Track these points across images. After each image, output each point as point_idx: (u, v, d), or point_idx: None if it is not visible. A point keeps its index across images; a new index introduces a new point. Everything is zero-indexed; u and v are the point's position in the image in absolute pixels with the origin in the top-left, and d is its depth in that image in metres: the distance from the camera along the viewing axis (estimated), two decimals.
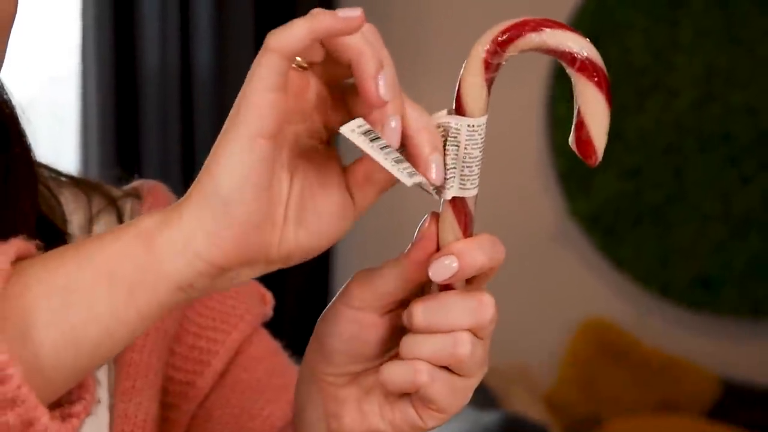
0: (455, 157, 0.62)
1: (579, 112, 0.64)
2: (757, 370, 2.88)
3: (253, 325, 0.82)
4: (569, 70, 0.63)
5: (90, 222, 0.78)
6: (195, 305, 0.80)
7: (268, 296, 0.84)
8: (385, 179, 0.59)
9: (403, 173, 0.57)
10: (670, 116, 2.83)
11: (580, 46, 0.62)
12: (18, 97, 0.75)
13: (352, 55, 0.57)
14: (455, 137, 0.63)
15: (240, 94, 0.56)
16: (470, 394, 0.63)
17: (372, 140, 0.57)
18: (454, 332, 0.60)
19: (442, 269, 0.60)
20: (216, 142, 0.56)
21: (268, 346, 0.83)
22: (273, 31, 0.56)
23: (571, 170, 2.85)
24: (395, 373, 0.61)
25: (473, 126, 0.63)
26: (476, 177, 0.63)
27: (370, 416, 0.63)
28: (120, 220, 0.78)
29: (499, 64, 0.62)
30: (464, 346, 0.60)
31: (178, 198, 0.85)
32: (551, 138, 2.86)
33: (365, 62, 0.56)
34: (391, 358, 0.63)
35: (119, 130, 2.62)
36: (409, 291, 0.62)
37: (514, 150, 2.85)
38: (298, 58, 0.58)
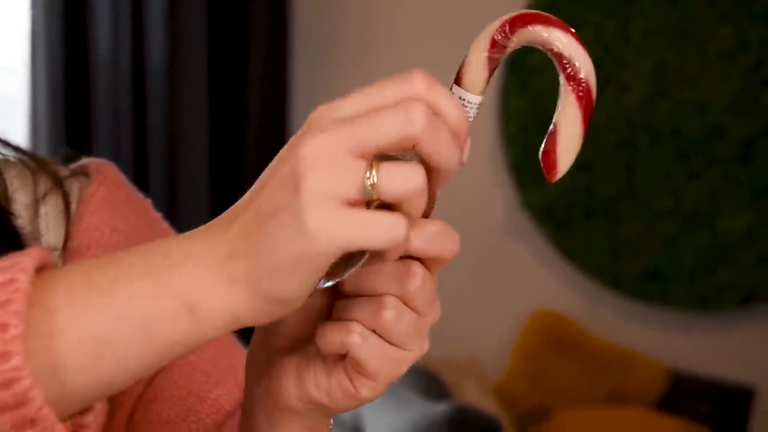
0: None
1: (554, 124, 0.64)
2: (704, 362, 2.92)
3: None
4: (560, 77, 0.63)
5: (36, 203, 0.77)
6: None
7: None
8: None
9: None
10: (622, 112, 2.86)
11: (580, 59, 0.63)
12: None
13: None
14: None
15: (313, 202, 0.55)
16: (404, 367, 0.63)
17: None
18: (381, 296, 0.61)
19: None
20: (274, 237, 0.56)
21: None
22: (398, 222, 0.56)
23: (523, 163, 2.86)
24: (328, 332, 0.62)
25: (464, 100, 0.63)
26: None
27: (307, 385, 0.64)
28: (66, 202, 0.78)
29: (504, 48, 0.62)
30: (388, 311, 0.60)
31: (129, 179, 0.84)
32: (503, 130, 2.87)
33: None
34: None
35: (69, 121, 2.59)
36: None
37: None
38: None
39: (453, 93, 0.63)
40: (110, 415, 0.77)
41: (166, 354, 0.57)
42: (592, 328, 2.87)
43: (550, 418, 2.74)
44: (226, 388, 0.81)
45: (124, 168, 0.87)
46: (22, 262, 0.56)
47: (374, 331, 0.61)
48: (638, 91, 2.85)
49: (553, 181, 0.64)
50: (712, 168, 2.87)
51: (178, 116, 2.63)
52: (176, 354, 0.58)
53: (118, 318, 0.56)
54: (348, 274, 0.59)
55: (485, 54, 0.62)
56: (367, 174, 0.55)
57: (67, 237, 0.77)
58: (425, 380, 2.44)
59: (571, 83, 0.63)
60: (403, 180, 0.55)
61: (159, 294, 0.56)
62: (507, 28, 0.62)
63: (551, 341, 2.81)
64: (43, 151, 2.60)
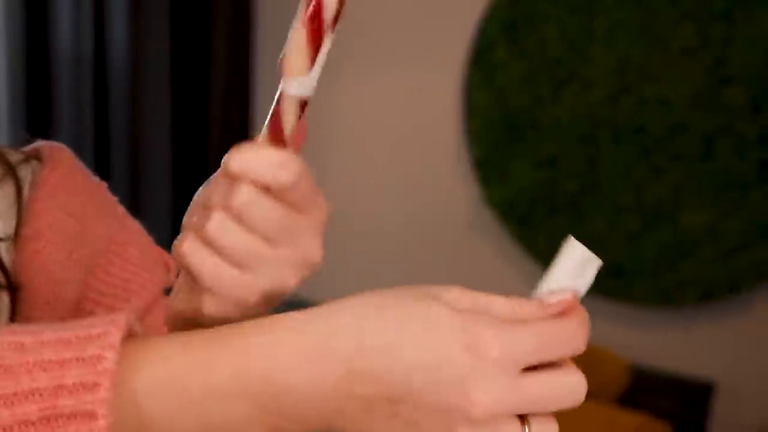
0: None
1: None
2: (665, 358, 2.94)
3: (155, 293, 0.82)
4: None
5: None
6: (97, 272, 0.80)
7: (172, 264, 0.84)
8: None
9: None
10: (585, 107, 2.87)
11: None
12: None
13: None
14: None
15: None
16: (249, 291, 0.64)
17: None
18: (210, 209, 0.63)
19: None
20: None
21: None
22: None
23: (487, 158, 2.86)
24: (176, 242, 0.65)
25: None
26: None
27: (177, 303, 0.67)
28: (18, 189, 0.77)
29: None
30: (211, 222, 0.63)
31: (84, 162, 0.84)
32: (467, 125, 2.87)
33: None
34: None
35: (30, 113, 2.57)
36: None
37: (431, 137, 2.85)
38: None
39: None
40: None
41: None
42: None
43: None
44: (147, 279, 0.82)
45: (85, 159, 0.86)
46: (111, 335, 0.55)
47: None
48: (602, 87, 2.86)
49: (285, 78, 0.64)
50: (675, 164, 2.88)
51: (141, 108, 2.61)
52: None
53: (206, 425, 0.56)
54: None
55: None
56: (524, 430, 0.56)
57: (19, 224, 0.75)
58: None
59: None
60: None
61: (255, 415, 0.56)
62: None
63: None
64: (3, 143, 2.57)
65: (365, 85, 2.86)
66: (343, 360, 0.54)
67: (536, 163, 2.88)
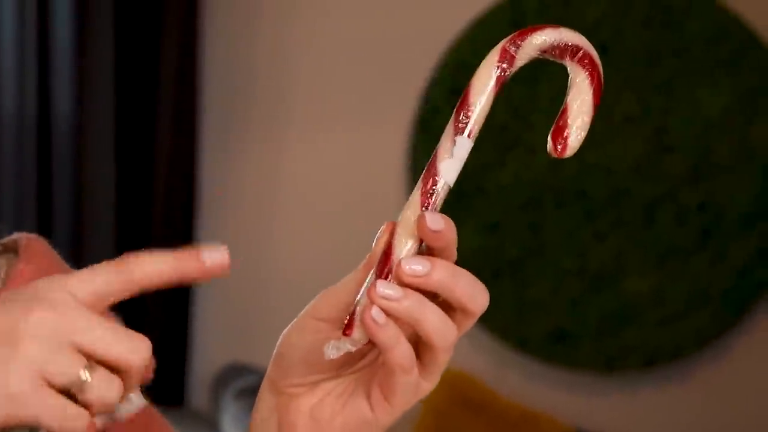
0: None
1: (566, 103, 0.66)
2: (608, 423, 2.94)
3: None
4: (569, 63, 0.66)
5: None
6: None
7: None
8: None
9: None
10: (529, 173, 2.89)
11: (587, 46, 0.66)
12: None
13: None
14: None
15: None
16: (416, 398, 0.65)
17: None
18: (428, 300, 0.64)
19: (414, 262, 0.66)
20: None
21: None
22: None
23: None
24: (378, 322, 0.63)
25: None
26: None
27: (321, 422, 0.65)
28: None
29: (513, 59, 0.65)
30: (437, 316, 0.66)
31: (58, 253, 0.83)
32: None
33: None
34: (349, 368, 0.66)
35: None
36: None
37: (376, 202, 2.86)
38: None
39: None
40: None
41: None
42: (500, 389, 2.88)
43: None
44: None
45: (27, 224, 0.85)
46: None
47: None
48: (545, 153, 2.88)
49: (562, 156, 0.65)
50: (617, 230, 2.91)
51: (85, 173, 2.60)
52: None
53: None
54: None
55: (495, 65, 0.66)
56: (83, 372, 0.56)
57: None
58: None
59: (583, 63, 0.65)
60: (110, 393, 0.57)
61: None
62: (517, 37, 0.64)
63: (459, 401, 2.81)
64: None
65: (310, 149, 2.87)
66: None
67: (480, 228, 2.90)
